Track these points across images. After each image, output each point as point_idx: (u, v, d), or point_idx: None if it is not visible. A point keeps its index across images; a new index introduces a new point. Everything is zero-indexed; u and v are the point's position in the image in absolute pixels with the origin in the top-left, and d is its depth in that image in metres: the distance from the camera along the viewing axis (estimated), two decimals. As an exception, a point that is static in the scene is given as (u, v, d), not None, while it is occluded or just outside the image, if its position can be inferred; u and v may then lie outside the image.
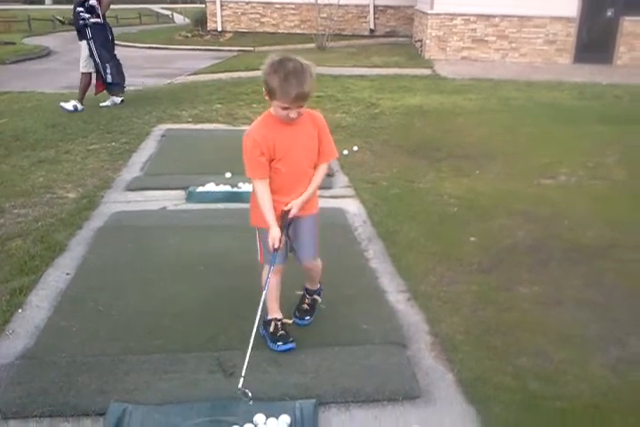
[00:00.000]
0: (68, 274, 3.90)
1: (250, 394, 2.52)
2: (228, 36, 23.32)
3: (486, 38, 15.91)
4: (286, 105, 2.66)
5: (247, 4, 23.29)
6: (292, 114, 2.71)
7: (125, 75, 9.56)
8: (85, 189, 5.57)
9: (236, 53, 19.40)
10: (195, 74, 14.43)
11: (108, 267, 4.00)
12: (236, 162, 5.67)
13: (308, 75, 2.65)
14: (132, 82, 12.91)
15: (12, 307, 3.46)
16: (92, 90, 9.24)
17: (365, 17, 22.88)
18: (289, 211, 2.87)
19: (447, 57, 16.00)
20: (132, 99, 10.16)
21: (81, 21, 8.63)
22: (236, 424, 2.50)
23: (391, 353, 3.05)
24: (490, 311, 3.51)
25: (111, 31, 9.16)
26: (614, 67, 15.39)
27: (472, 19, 15.79)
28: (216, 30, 23.65)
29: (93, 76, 9.11)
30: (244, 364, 2.60)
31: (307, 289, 3.25)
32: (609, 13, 15.42)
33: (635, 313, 3.53)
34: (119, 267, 4.00)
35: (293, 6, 22.81)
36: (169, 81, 13.38)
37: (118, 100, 9.36)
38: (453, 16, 15.77)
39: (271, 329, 3.09)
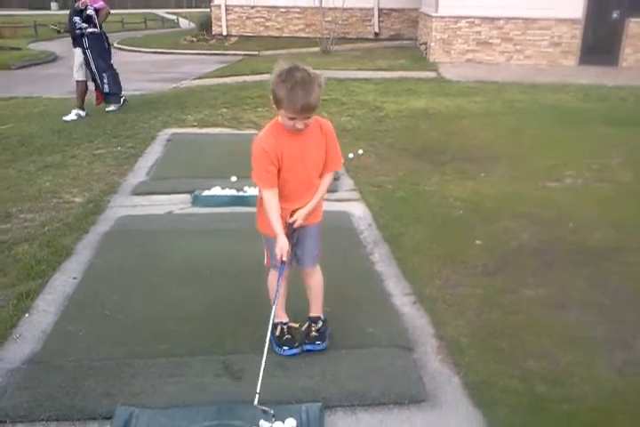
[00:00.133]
0: (74, 278, 3.91)
1: (272, 412, 2.50)
2: (233, 40, 23.38)
3: (491, 41, 15.91)
4: (293, 115, 2.64)
5: (252, 8, 23.36)
6: (299, 125, 2.68)
7: (122, 84, 9.52)
8: (92, 193, 5.59)
9: (241, 57, 19.44)
10: (200, 78, 14.47)
11: (115, 271, 4.01)
12: (241, 166, 5.72)
13: (317, 85, 2.61)
14: (139, 87, 12.98)
15: (19, 311, 3.47)
16: (89, 94, 9.22)
17: (370, 20, 22.91)
18: (294, 222, 2.88)
19: (452, 60, 16.00)
20: (138, 103, 10.21)
21: (77, 31, 8.57)
22: (243, 428, 2.51)
23: (397, 356, 3.06)
24: (495, 314, 3.51)
25: (108, 40, 9.10)
26: (620, 69, 15.36)
27: (476, 21, 15.79)
28: (221, 34, 23.73)
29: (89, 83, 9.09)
30: (258, 380, 2.56)
31: (310, 318, 3.20)
32: (614, 15, 15.39)
33: (641, 315, 3.52)
34: (125, 271, 4.01)
35: (298, 10, 22.87)
36: (174, 85, 13.42)
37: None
38: (458, 19, 15.77)
39: (277, 333, 3.09)
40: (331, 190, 5.13)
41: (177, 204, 5.34)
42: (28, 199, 5.39)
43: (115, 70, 9.16)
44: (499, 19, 15.64)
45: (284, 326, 3.12)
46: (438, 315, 3.48)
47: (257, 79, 12.46)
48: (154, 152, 7.08)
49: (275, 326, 3.11)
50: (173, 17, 51.10)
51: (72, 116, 8.83)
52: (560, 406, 2.71)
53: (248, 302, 3.55)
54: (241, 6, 23.36)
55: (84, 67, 8.84)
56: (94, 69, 8.81)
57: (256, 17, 23.53)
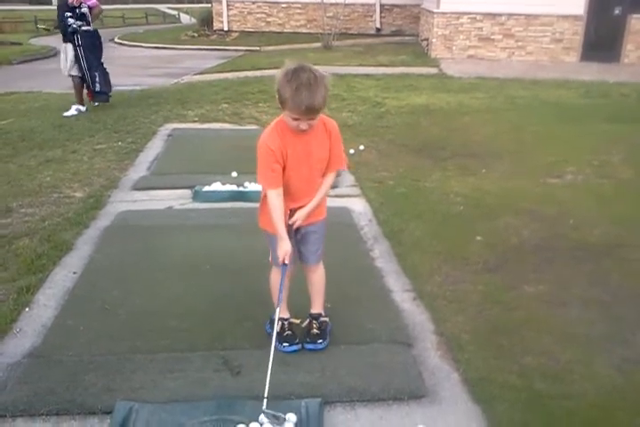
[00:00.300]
0: (74, 273, 3.92)
1: (283, 416, 2.50)
2: (235, 35, 23.35)
3: (492, 37, 15.88)
4: (297, 116, 2.61)
5: (253, 3, 23.32)
6: (303, 126, 2.65)
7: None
8: (92, 188, 5.59)
9: (242, 53, 19.42)
10: (201, 73, 14.45)
11: (115, 266, 4.01)
12: (242, 161, 5.74)
13: (322, 87, 2.57)
14: (139, 82, 12.98)
15: (20, 306, 3.48)
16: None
17: (372, 16, 22.88)
18: (294, 223, 2.88)
19: (453, 56, 15.98)
20: (139, 98, 10.20)
21: (70, 28, 8.47)
22: (242, 423, 2.50)
23: (397, 352, 3.06)
24: (495, 311, 3.51)
25: (100, 38, 9.01)
26: (621, 65, 15.33)
27: (478, 17, 15.75)
28: (222, 30, 23.70)
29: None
30: (265, 383, 2.56)
31: (311, 315, 3.20)
32: (616, 11, 15.34)
33: (641, 312, 3.52)
34: (126, 266, 4.02)
35: (299, 6, 22.83)
36: (175, 80, 13.41)
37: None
38: (460, 15, 15.74)
39: (278, 329, 3.09)
40: (331, 186, 5.14)
41: (177, 199, 5.34)
42: (29, 194, 5.39)
43: (105, 69, 9.05)
44: (500, 15, 15.61)
45: (285, 323, 3.12)
46: (438, 311, 3.48)
47: (258, 75, 12.44)
48: (154, 147, 7.08)
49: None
50: (174, 12, 51.06)
51: (72, 111, 8.83)
52: (559, 403, 2.71)
53: (248, 297, 3.56)
54: (242, 2, 23.33)
55: (76, 64, 8.74)
56: (85, 67, 8.73)
57: (257, 12, 23.49)
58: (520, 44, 15.82)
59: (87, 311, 3.44)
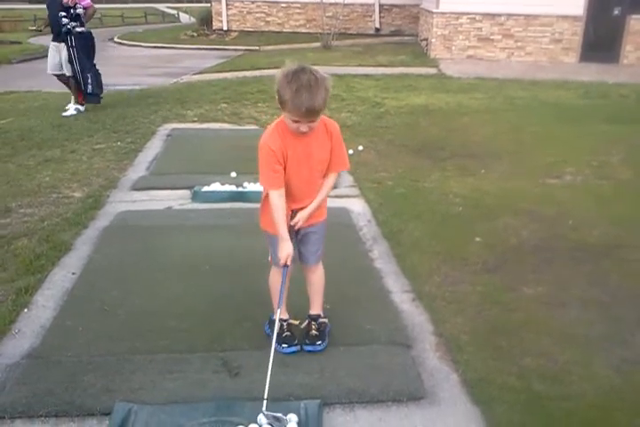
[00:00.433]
0: (73, 273, 3.91)
1: (285, 417, 2.51)
2: (234, 35, 23.35)
3: (492, 37, 15.88)
4: (297, 118, 2.60)
5: (253, 3, 23.32)
6: (303, 128, 2.64)
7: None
8: (91, 188, 5.59)
9: (241, 53, 19.42)
10: (200, 73, 14.45)
11: (114, 266, 4.01)
12: (241, 161, 5.74)
13: (323, 89, 2.55)
14: (139, 81, 12.97)
15: (18, 306, 3.47)
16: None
17: (371, 16, 22.87)
18: (295, 224, 2.87)
19: (453, 56, 15.98)
20: (138, 98, 10.19)
21: (64, 28, 8.38)
22: (241, 424, 2.50)
23: (396, 354, 3.06)
24: (494, 311, 3.51)
25: (94, 40, 8.93)
26: (621, 66, 15.33)
27: (478, 17, 15.75)
28: (221, 29, 23.69)
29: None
30: (265, 384, 2.56)
31: (310, 316, 3.20)
32: (615, 12, 15.35)
33: (640, 313, 3.53)
34: (125, 266, 4.01)
35: (299, 5, 22.83)
36: (174, 80, 13.40)
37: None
38: (459, 15, 15.74)
39: (277, 330, 3.09)
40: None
41: (176, 199, 5.33)
42: (28, 194, 5.39)
43: (98, 70, 9.00)
44: (500, 15, 15.61)
45: (284, 324, 3.12)
46: (437, 312, 3.48)
47: (257, 74, 12.44)
48: (154, 147, 7.08)
49: (275, 322, 3.11)
50: (174, 11, 51.05)
51: (72, 111, 8.82)
52: (558, 404, 2.72)
53: (247, 297, 3.56)
54: (241, 1, 23.32)
55: (70, 64, 8.68)
56: (78, 68, 8.67)
57: (257, 12, 23.49)
58: (519, 44, 15.83)
59: (86, 312, 3.43)
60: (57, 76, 8.93)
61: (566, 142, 7.41)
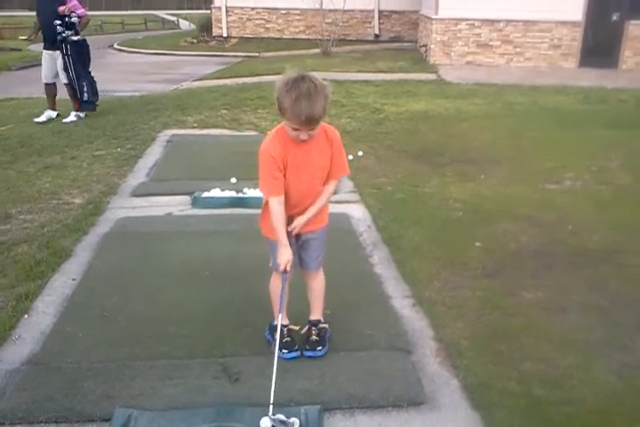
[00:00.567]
0: (73, 280, 3.91)
1: (291, 421, 2.51)
2: (234, 41, 23.42)
3: (491, 43, 15.92)
4: (296, 126, 2.61)
5: (252, 9, 23.39)
6: (303, 136, 2.65)
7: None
8: (91, 194, 5.59)
9: (241, 59, 19.47)
10: (200, 80, 14.48)
11: (114, 273, 4.01)
12: (241, 167, 5.75)
13: (322, 97, 2.56)
14: (138, 88, 13.00)
15: (18, 313, 3.47)
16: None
17: (370, 22, 22.94)
18: (292, 230, 2.88)
19: (452, 62, 16.01)
20: (138, 105, 10.21)
21: (59, 36, 8.35)
22: (241, 430, 2.51)
23: (396, 359, 3.06)
24: (494, 316, 3.51)
25: (88, 47, 8.91)
26: (619, 71, 15.36)
27: (477, 23, 15.79)
28: (221, 36, 23.76)
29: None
30: (270, 389, 2.57)
31: (310, 321, 3.20)
32: (614, 17, 15.39)
33: (639, 318, 3.52)
34: (125, 273, 4.01)
35: (298, 12, 22.89)
36: (174, 87, 13.43)
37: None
38: (458, 21, 15.78)
39: (279, 335, 3.09)
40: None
41: (176, 205, 5.34)
42: (28, 200, 5.40)
43: (93, 78, 8.98)
44: (499, 21, 15.65)
45: (285, 329, 3.11)
46: (437, 317, 3.48)
47: (257, 81, 12.46)
48: (154, 153, 7.09)
49: (275, 328, 3.11)
50: (174, 18, 51.23)
51: (72, 117, 8.83)
52: (558, 409, 2.71)
53: (248, 303, 3.56)
54: (241, 8, 23.39)
55: (62, 70, 8.66)
56: (73, 76, 8.65)
57: (256, 18, 23.56)
58: (518, 50, 15.86)
59: (86, 318, 3.43)
60: (48, 84, 8.88)
61: (565, 147, 7.43)
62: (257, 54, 20.15)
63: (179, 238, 4.58)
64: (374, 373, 2.92)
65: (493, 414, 2.67)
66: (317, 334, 3.14)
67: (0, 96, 11.67)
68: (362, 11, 22.52)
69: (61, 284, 3.86)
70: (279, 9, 23.17)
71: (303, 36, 22.73)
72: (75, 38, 8.50)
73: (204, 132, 8.22)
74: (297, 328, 3.17)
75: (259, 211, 3.05)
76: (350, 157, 6.56)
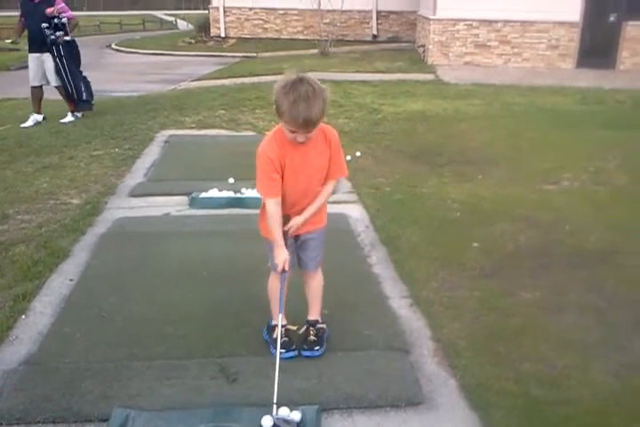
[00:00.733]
0: (71, 280, 3.91)
1: (295, 420, 2.52)
2: (232, 41, 23.41)
3: (489, 43, 15.93)
4: (294, 129, 2.61)
5: (250, 10, 23.38)
6: (300, 138, 2.66)
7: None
8: (89, 194, 5.59)
9: (239, 59, 19.46)
10: (198, 80, 14.48)
11: (112, 273, 4.01)
12: (239, 168, 5.75)
13: (320, 100, 2.56)
14: (136, 88, 12.99)
15: (16, 313, 3.47)
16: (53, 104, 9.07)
17: (368, 22, 22.94)
18: (289, 230, 2.88)
19: (450, 62, 16.02)
20: (136, 105, 10.21)
21: (48, 39, 8.31)
22: (239, 430, 2.51)
23: (394, 359, 3.06)
24: (492, 317, 3.51)
25: (77, 48, 8.87)
26: (617, 72, 15.38)
27: (474, 24, 15.80)
28: (219, 36, 23.75)
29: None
30: (273, 389, 2.58)
31: (308, 321, 3.21)
32: (612, 18, 15.40)
33: (637, 319, 3.53)
34: (122, 273, 4.01)
35: (296, 12, 22.89)
36: (172, 87, 13.43)
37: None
38: (456, 21, 15.78)
39: (275, 335, 3.09)
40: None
41: (174, 206, 5.34)
42: (25, 200, 5.39)
43: (86, 77, 8.95)
44: (497, 21, 15.66)
45: (282, 329, 3.11)
46: (435, 317, 3.48)
47: (255, 81, 12.47)
48: (151, 154, 7.08)
49: (272, 328, 3.12)
50: (172, 18, 51.17)
51: (69, 117, 8.83)
52: (556, 409, 2.72)
53: (245, 303, 3.56)
54: (239, 8, 23.38)
55: (54, 72, 8.60)
56: (69, 77, 8.61)
57: (254, 19, 23.55)
58: (516, 50, 15.87)
59: (84, 318, 3.43)
60: (34, 87, 8.81)
61: (563, 148, 7.43)
62: (255, 55, 20.15)
63: (176, 239, 4.58)
64: (372, 373, 2.92)
65: (491, 415, 2.67)
66: (315, 335, 3.14)
67: (-2, 96, 11.66)
68: (360, 11, 22.52)
69: (59, 284, 3.85)
70: (277, 9, 23.17)
71: (301, 37, 22.74)
72: (67, 38, 8.48)
73: (202, 132, 8.21)
74: (295, 328, 3.18)
75: (257, 211, 3.06)
76: (348, 157, 6.57)
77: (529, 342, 3.26)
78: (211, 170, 6.32)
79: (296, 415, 2.56)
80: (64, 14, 8.45)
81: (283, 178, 2.78)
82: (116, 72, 16.71)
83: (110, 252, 4.36)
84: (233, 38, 23.63)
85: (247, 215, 4.65)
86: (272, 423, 2.52)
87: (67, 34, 8.52)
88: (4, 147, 7.30)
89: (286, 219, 2.89)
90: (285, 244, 2.86)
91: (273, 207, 2.79)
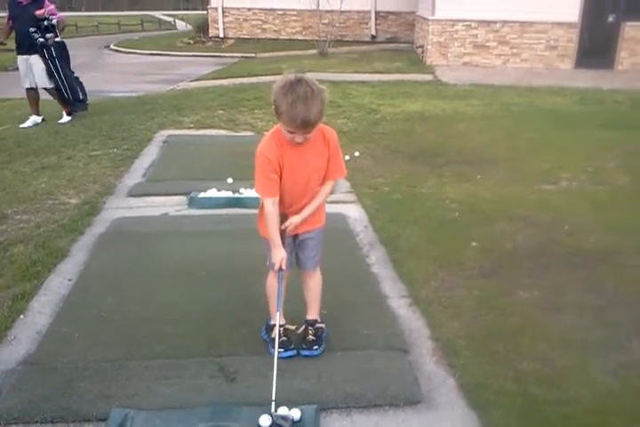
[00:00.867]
0: (69, 280, 3.90)
1: (292, 417, 2.53)
2: (230, 42, 23.41)
3: (487, 44, 15.94)
4: (292, 130, 2.62)
5: (249, 10, 23.39)
6: (298, 138, 2.66)
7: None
8: (87, 194, 5.58)
9: (237, 60, 19.46)
10: (197, 80, 14.47)
11: (110, 273, 4.00)
12: (237, 168, 5.75)
13: (319, 101, 2.56)
14: (135, 88, 12.99)
15: (14, 313, 3.46)
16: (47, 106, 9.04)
17: (367, 23, 22.95)
18: (286, 229, 2.89)
19: (448, 63, 16.02)
20: (134, 105, 10.21)
21: (38, 41, 8.25)
22: (238, 430, 2.50)
23: (393, 358, 3.06)
24: (491, 316, 3.51)
25: (67, 49, 8.81)
26: (615, 72, 15.39)
27: (473, 24, 15.81)
28: (218, 37, 23.75)
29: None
30: (271, 387, 2.59)
31: (307, 321, 3.20)
32: (610, 19, 15.43)
33: (636, 318, 3.53)
34: (121, 273, 4.01)
35: (295, 13, 22.90)
36: (171, 87, 13.42)
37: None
38: (454, 22, 15.79)
39: (273, 335, 3.09)
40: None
41: (173, 205, 5.33)
42: (24, 200, 5.38)
43: (78, 78, 8.92)
44: (495, 22, 15.67)
45: (281, 329, 3.11)
46: (434, 317, 3.48)
47: (254, 81, 12.47)
48: (150, 154, 7.08)
49: (271, 327, 3.12)
50: (170, 19, 51.17)
51: (66, 118, 8.82)
52: (555, 409, 2.71)
53: (244, 303, 3.56)
54: (238, 9, 23.38)
55: (46, 74, 8.55)
56: (62, 78, 8.58)
57: (253, 19, 23.55)
58: (515, 51, 15.89)
59: (82, 318, 3.43)
60: (28, 89, 8.78)
61: (562, 148, 7.44)
62: (254, 55, 20.14)
63: (175, 239, 4.58)
64: (371, 372, 2.92)
65: (490, 414, 2.67)
66: (314, 334, 3.14)
67: (-4, 96, 11.64)
68: (358, 11, 22.54)
69: (57, 284, 3.85)
70: (276, 10, 23.18)
71: (300, 37, 22.75)
72: (57, 39, 8.44)
73: (201, 132, 8.21)
74: (293, 328, 3.17)
75: (255, 211, 3.06)
76: (347, 157, 6.56)
77: (528, 341, 3.26)
78: (209, 170, 6.32)
79: (295, 413, 2.56)
80: (53, 16, 8.40)
81: (281, 178, 2.78)
82: (114, 72, 16.70)
83: (109, 252, 4.36)
84: (231, 39, 23.63)
85: (246, 215, 4.65)
86: (270, 422, 2.51)
87: (57, 35, 8.46)
88: (3, 147, 7.29)
89: (283, 218, 2.89)
90: (283, 243, 2.86)
91: (270, 207, 2.80)
